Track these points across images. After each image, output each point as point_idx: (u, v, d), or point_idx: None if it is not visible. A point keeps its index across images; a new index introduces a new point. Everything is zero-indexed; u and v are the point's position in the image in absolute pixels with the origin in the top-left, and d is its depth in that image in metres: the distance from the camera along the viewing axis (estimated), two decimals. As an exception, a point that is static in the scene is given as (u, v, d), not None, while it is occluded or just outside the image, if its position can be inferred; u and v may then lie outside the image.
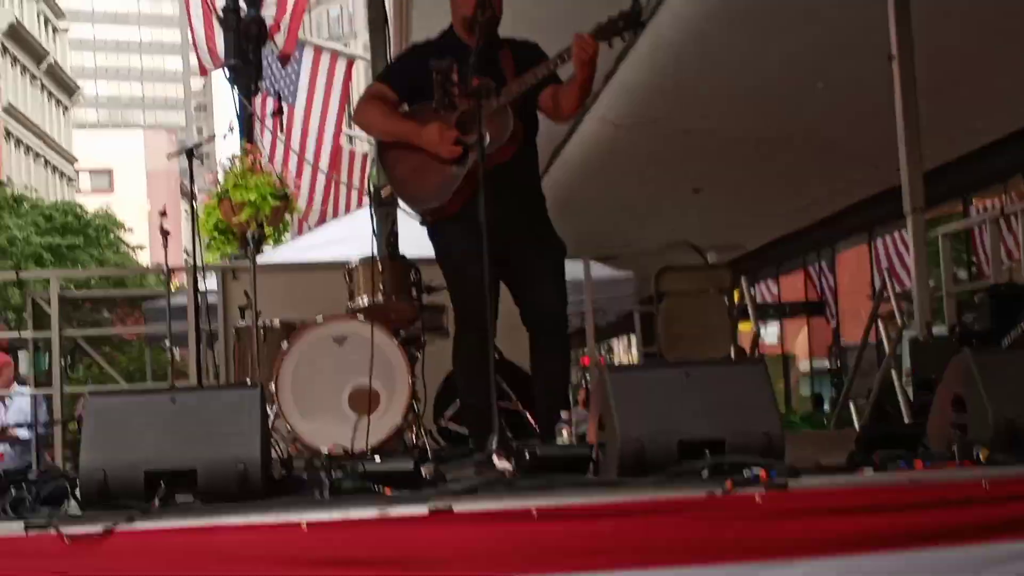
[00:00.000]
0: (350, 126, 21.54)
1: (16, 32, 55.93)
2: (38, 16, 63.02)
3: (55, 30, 66.89)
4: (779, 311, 24.29)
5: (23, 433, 10.90)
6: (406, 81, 6.18)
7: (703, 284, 9.59)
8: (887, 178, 9.08)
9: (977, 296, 8.62)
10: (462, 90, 5.80)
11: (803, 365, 24.47)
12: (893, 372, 8.28)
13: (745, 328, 12.12)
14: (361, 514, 4.13)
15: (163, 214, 8.76)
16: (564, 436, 5.66)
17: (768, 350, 23.29)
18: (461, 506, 4.15)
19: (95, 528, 4.04)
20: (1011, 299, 7.96)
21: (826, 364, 23.31)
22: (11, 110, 54.03)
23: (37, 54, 60.06)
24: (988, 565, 4.15)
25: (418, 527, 4.10)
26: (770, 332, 24.13)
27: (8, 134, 53.02)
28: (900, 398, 7.89)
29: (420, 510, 4.13)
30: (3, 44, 53.96)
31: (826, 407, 20.39)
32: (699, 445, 4.47)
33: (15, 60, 56.68)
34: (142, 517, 4.10)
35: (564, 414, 5.79)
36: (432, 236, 6.20)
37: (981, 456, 4.43)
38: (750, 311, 11.03)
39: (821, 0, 11.51)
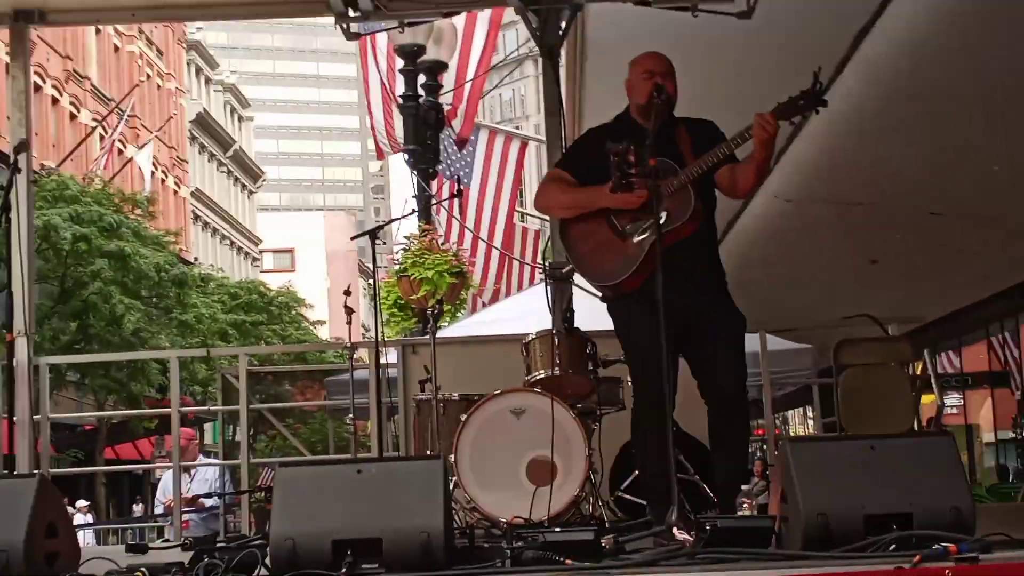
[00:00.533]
0: (522, 205, 21.77)
1: (204, 121, 57.79)
2: (224, 105, 65.08)
3: (240, 119, 68.97)
4: (961, 382, 23.76)
5: (208, 502, 11.11)
6: (583, 165, 6.20)
7: (883, 356, 9.40)
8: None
9: None
10: (640, 172, 5.79)
11: (987, 436, 23.86)
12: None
13: (927, 400, 11.86)
14: (544, 584, 4.14)
15: (347, 293, 8.90)
16: (744, 508, 5.59)
17: (950, 421, 22.82)
18: (643, 579, 4.13)
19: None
20: None
21: (1011, 435, 22.71)
22: (199, 195, 55.71)
23: (224, 141, 61.96)
24: None
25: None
26: (952, 403, 23.63)
27: (196, 217, 54.67)
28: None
29: (604, 582, 4.12)
30: (191, 132, 55.76)
31: (1011, 479, 19.86)
32: (886, 519, 4.39)
33: (203, 147, 58.56)
34: (329, 585, 4.16)
35: (744, 487, 5.72)
36: (612, 312, 6.19)
37: None
38: (933, 383, 10.76)
39: (998, 86, 11.35)
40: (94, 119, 39.55)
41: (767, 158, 5.86)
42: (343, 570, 4.28)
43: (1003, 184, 14.33)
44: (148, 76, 47.58)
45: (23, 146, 7.27)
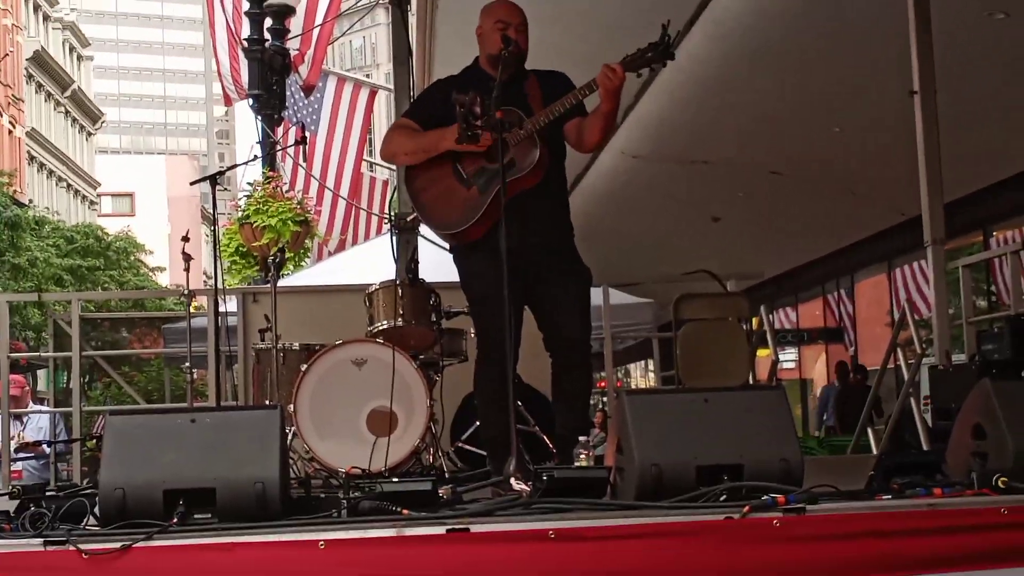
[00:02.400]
0: (371, 154, 21.63)
1: (41, 59, 56.27)
2: (63, 44, 63.35)
3: (80, 58, 67.25)
4: (797, 337, 24.29)
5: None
6: (430, 115, 6.15)
7: (721, 311, 9.55)
8: (906, 209, 9.07)
9: (997, 326, 8.59)
10: (485, 122, 5.76)
11: (820, 391, 24.42)
12: (911, 399, 8.25)
13: (763, 355, 12.10)
14: (378, 533, 4.13)
15: (186, 239, 8.75)
16: (582, 459, 5.65)
17: (786, 375, 23.31)
18: (478, 526, 4.15)
19: (113, 544, 4.06)
20: (1030, 329, 7.93)
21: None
22: (34, 135, 54.31)
23: (62, 81, 60.44)
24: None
25: (435, 546, 4.10)
26: (788, 358, 24.11)
27: (31, 158, 53.31)
28: (919, 425, 7.85)
29: (437, 530, 4.13)
30: (28, 71, 54.27)
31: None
32: (717, 470, 4.46)
33: (40, 86, 57.05)
34: (160, 534, 4.11)
35: (582, 438, 5.78)
36: (456, 261, 6.19)
37: (1000, 483, 4.41)
38: (768, 338, 10.98)
39: (840, 42, 11.56)
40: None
41: (613, 111, 5.88)
42: (174, 519, 4.24)
43: (842, 146, 14.65)
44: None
45: None
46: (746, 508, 4.17)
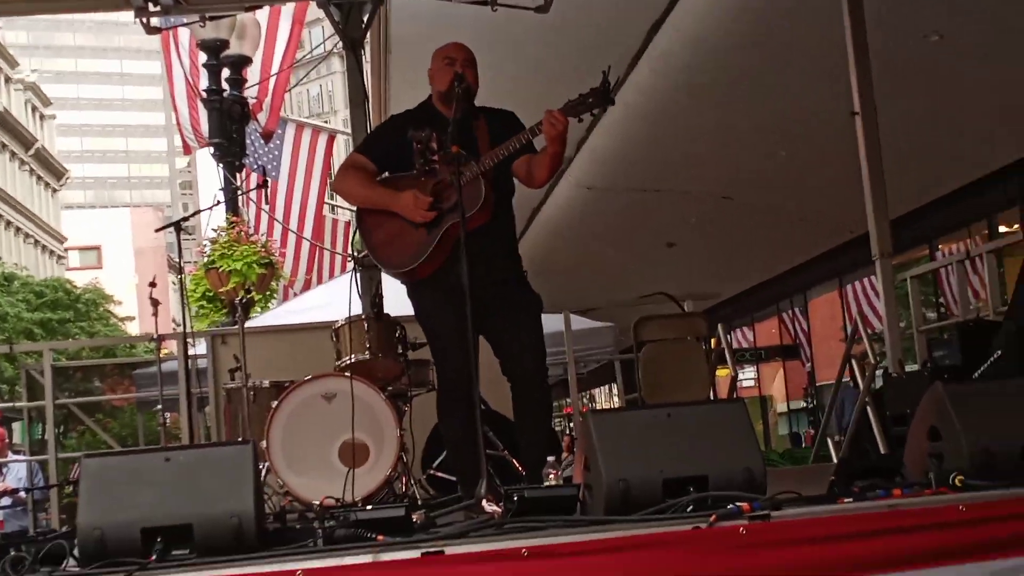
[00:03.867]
0: (332, 197, 21.63)
1: (3, 119, 56.11)
2: (25, 104, 63.17)
3: (42, 116, 67.10)
4: (755, 356, 24.40)
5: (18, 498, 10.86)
6: (383, 151, 6.19)
7: (680, 332, 9.57)
8: (854, 227, 9.14)
9: (946, 333, 8.67)
10: (442, 158, 5.80)
11: (780, 406, 24.57)
12: (868, 408, 8.28)
13: (723, 373, 12.15)
14: (355, 560, 4.10)
15: (152, 284, 8.75)
16: (551, 479, 5.64)
17: (746, 393, 23.41)
18: (452, 548, 4.13)
19: (95, 584, 4.03)
20: (979, 334, 8.00)
21: (803, 404, 23.40)
22: (1, 196, 54.06)
23: (25, 140, 60.26)
24: (968, 585, 4.16)
25: (411, 570, 4.08)
26: (747, 376, 24.21)
27: (-1, 216, 53.05)
28: (876, 431, 7.88)
29: (413, 553, 4.11)
30: (-9, 134, 54.18)
31: (803, 444, 20.42)
32: (683, 482, 4.46)
33: (3, 146, 56.86)
34: (139, 572, 4.08)
35: (550, 458, 5.77)
36: (410, 297, 6.21)
37: (957, 482, 4.44)
38: (727, 356, 11.03)
39: (780, 69, 11.66)
40: None
41: (558, 152, 5.90)
42: (153, 557, 4.21)
43: (789, 168, 14.75)
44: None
45: None
46: (712, 517, 4.17)
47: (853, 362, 9.96)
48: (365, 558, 4.11)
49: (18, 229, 57.24)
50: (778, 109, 12.80)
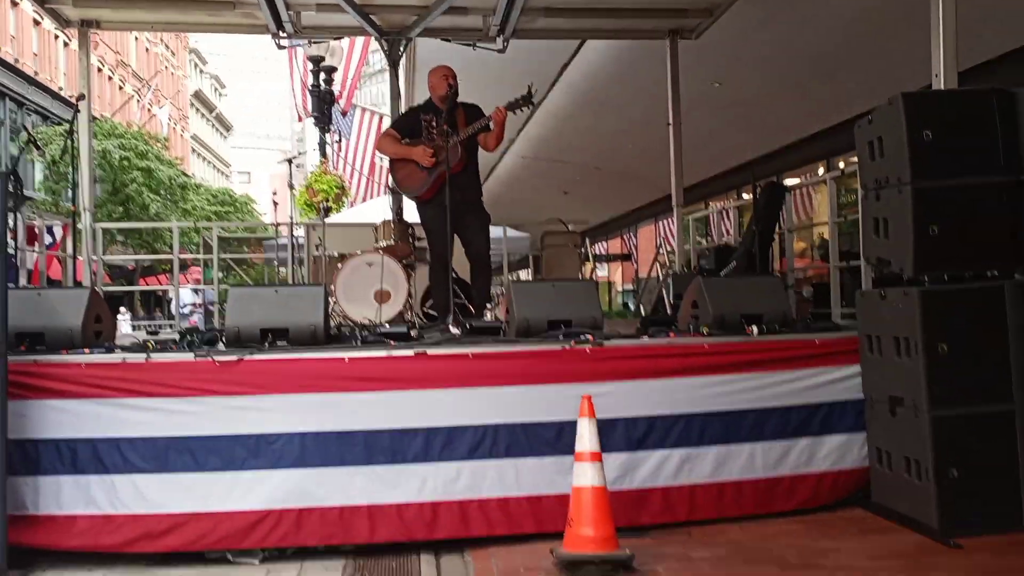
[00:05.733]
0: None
1: (199, 95, 54.75)
2: (211, 86, 61.38)
3: (220, 94, 65.24)
4: (607, 259, 24.39)
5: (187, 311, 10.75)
6: (405, 127, 6.06)
7: (566, 242, 9.64)
8: (665, 189, 9.08)
9: (707, 250, 8.73)
10: (437, 131, 5.75)
11: (619, 287, 24.63)
12: (663, 290, 8.33)
13: (588, 267, 12.18)
14: (377, 353, 4.12)
15: (275, 194, 8.62)
16: (488, 317, 5.65)
17: (600, 280, 23.44)
18: (432, 351, 4.15)
19: (232, 357, 4.01)
20: (725, 252, 8.08)
21: (630, 287, 23.48)
22: (195, 138, 52.76)
23: (211, 106, 58.85)
24: (703, 388, 4.22)
25: (407, 361, 4.10)
26: (602, 270, 24.24)
27: (193, 150, 51.72)
28: (667, 303, 7.94)
29: (408, 352, 4.13)
30: (191, 101, 52.57)
31: (632, 308, 20.58)
32: (559, 323, 4.48)
33: (198, 110, 55.32)
34: (258, 352, 4.07)
35: (488, 305, 5.78)
36: (418, 210, 6.13)
37: (704, 331, 4.49)
38: (590, 257, 11.04)
39: (631, 94, 11.46)
40: (133, 90, 37.14)
41: (501, 133, 5.82)
42: (266, 344, 4.20)
43: (633, 153, 14.63)
44: (165, 67, 44.49)
45: (82, 96, 6.70)
46: (572, 342, 4.22)
47: (658, 265, 10.03)
48: (382, 352, 4.13)
49: (203, 158, 55.86)
50: (628, 118, 12.60)
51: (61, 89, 28.38)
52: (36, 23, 27.30)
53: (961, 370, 3.80)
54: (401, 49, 8.05)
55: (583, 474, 3.46)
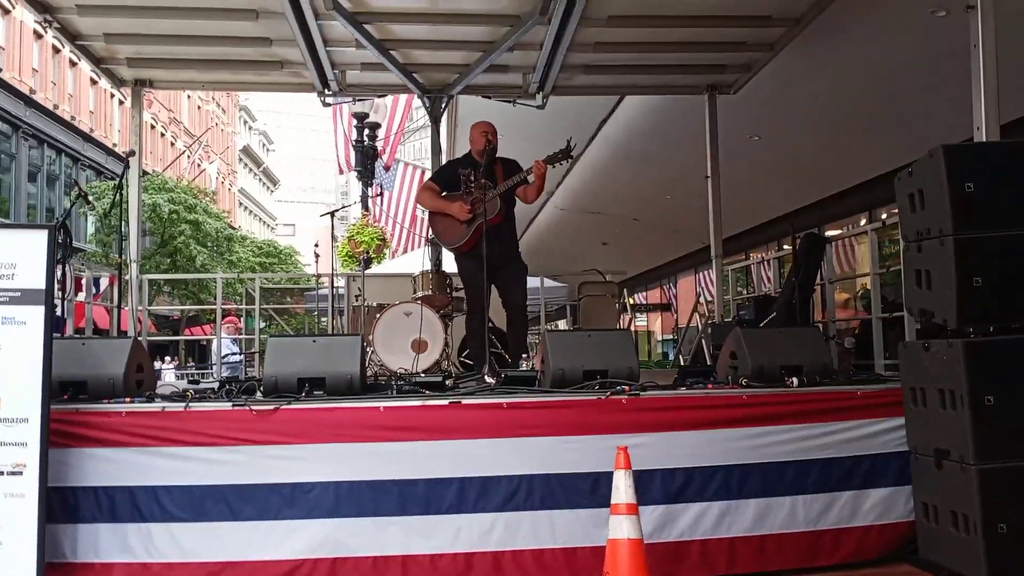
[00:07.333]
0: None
1: (247, 150, 56.16)
2: (259, 142, 63.05)
3: (268, 149, 66.93)
4: (647, 308, 24.27)
5: (233, 359, 10.87)
6: (444, 180, 6.15)
7: (604, 292, 9.57)
8: (704, 239, 9.04)
9: (747, 301, 8.63)
10: (475, 186, 5.81)
11: (658, 337, 24.42)
12: (702, 340, 8.24)
13: (626, 318, 12.11)
14: (412, 403, 4.13)
15: (316, 246, 8.75)
16: (524, 367, 5.63)
17: (640, 329, 23.32)
18: (467, 400, 4.15)
19: (269, 406, 4.04)
20: (765, 303, 7.97)
21: (670, 336, 23.28)
22: (242, 191, 54.06)
23: (259, 161, 60.27)
24: (742, 439, 4.15)
25: (443, 410, 4.10)
26: (641, 320, 24.12)
27: (240, 203, 52.95)
28: (706, 353, 7.85)
29: (443, 401, 4.13)
30: (240, 156, 54.02)
31: (671, 359, 20.39)
32: (595, 372, 4.45)
33: (246, 165, 56.69)
34: (295, 401, 4.10)
35: (525, 356, 5.76)
36: (456, 261, 6.18)
37: (742, 382, 4.43)
38: (629, 308, 10.98)
39: (669, 147, 11.50)
40: (184, 145, 38.30)
41: (541, 185, 5.88)
42: (302, 394, 4.22)
43: (671, 205, 14.63)
44: (216, 123, 45.87)
45: (133, 152, 6.92)
46: (608, 393, 4.19)
47: (697, 315, 9.94)
48: (417, 402, 4.13)
49: (250, 211, 57.12)
50: (666, 171, 12.63)
51: (115, 145, 29.41)
52: (93, 82, 28.41)
53: (1008, 422, 3.69)
54: (443, 106, 8.18)
55: (619, 527, 3.40)
